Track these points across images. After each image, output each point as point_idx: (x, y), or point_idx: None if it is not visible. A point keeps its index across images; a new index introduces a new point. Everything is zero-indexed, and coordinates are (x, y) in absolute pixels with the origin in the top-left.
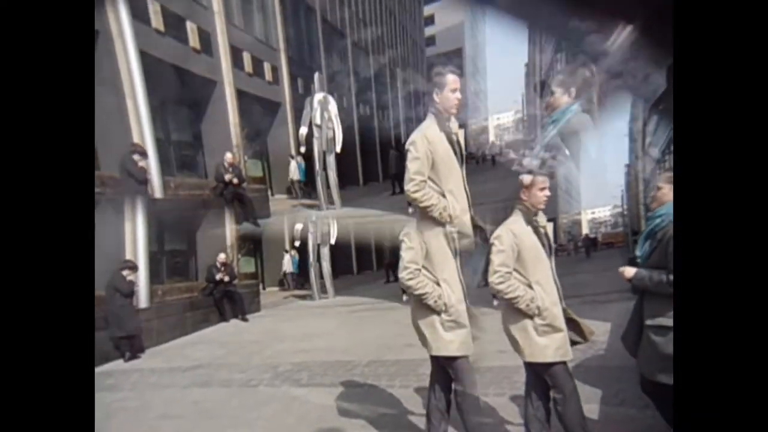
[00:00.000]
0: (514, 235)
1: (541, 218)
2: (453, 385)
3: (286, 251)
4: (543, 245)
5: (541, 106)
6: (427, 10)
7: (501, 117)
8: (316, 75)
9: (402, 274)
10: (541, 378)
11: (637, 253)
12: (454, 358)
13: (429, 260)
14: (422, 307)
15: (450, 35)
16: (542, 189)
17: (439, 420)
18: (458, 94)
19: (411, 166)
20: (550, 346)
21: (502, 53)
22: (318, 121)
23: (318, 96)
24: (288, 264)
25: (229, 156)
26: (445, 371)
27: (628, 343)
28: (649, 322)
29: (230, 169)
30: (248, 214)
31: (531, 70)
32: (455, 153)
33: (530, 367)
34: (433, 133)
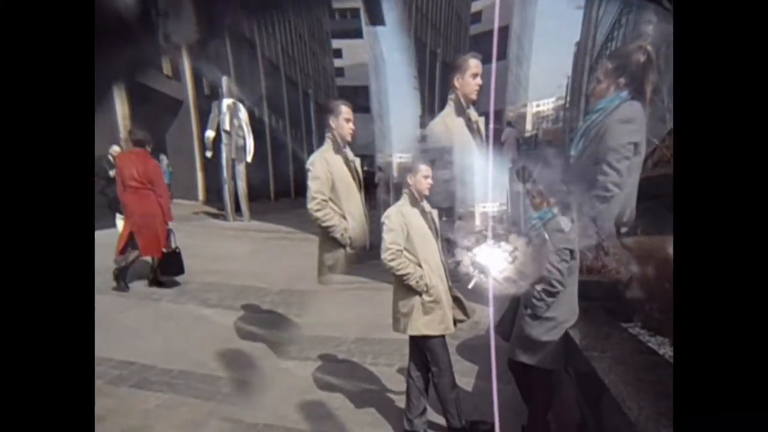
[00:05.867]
0: (402, 215)
1: (426, 204)
2: (430, 365)
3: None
4: (430, 228)
5: (586, 92)
6: None
7: (541, 104)
8: (224, 79)
9: (384, 255)
10: (421, 351)
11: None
12: (430, 338)
13: (410, 241)
14: (403, 287)
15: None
16: (426, 177)
17: (418, 397)
18: (479, 80)
19: (312, 185)
20: (433, 320)
21: (552, 30)
22: (227, 127)
23: (227, 101)
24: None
25: (115, 149)
26: (423, 351)
27: (503, 330)
28: (523, 310)
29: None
30: None
31: (582, 49)
32: (354, 177)
33: (413, 340)
34: (330, 156)
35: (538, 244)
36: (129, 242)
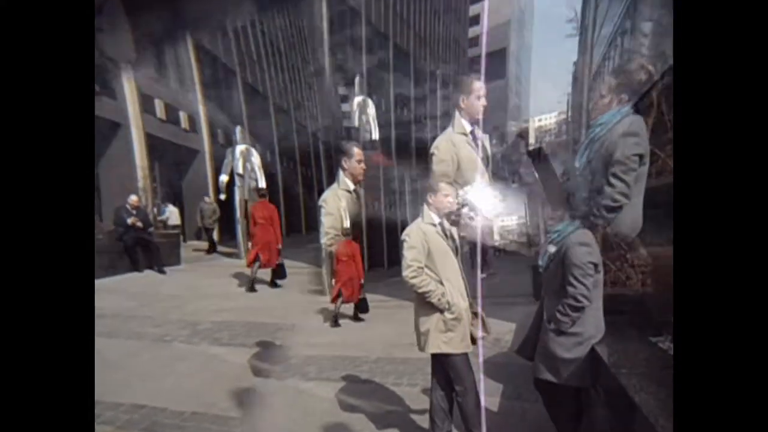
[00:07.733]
0: (423, 233)
1: (446, 222)
2: (454, 385)
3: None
4: (449, 245)
5: (588, 107)
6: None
7: (543, 118)
8: (238, 128)
9: (405, 273)
10: (444, 370)
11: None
12: (452, 356)
13: (431, 259)
14: (425, 305)
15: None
16: (446, 196)
17: (443, 418)
18: (484, 101)
19: (325, 220)
20: (455, 338)
21: (549, 50)
22: (240, 170)
23: (240, 147)
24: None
25: (133, 198)
26: (446, 370)
27: (525, 349)
28: (547, 326)
29: (134, 212)
30: (153, 262)
31: (579, 68)
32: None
33: (435, 359)
34: (342, 192)
35: (558, 259)
36: (255, 258)
